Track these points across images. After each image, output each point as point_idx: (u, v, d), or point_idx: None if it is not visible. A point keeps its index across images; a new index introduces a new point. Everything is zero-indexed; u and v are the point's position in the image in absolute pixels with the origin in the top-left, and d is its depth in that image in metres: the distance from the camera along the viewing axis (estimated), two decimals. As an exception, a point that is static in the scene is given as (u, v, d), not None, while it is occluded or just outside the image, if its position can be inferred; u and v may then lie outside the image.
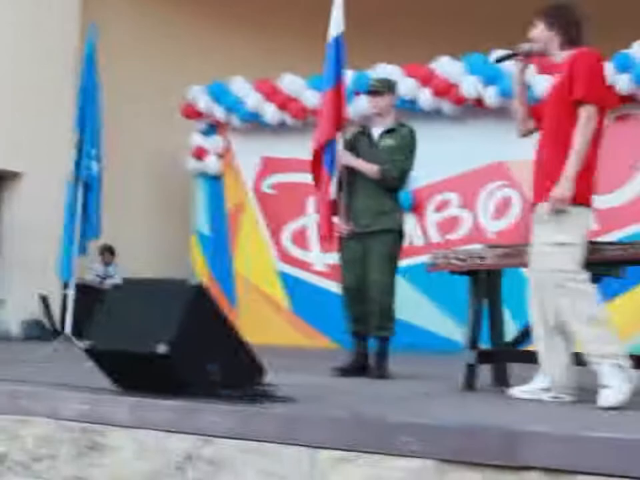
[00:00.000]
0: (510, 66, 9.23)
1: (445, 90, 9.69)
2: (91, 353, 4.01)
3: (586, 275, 4.19)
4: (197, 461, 3.58)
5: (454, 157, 9.94)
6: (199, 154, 11.25)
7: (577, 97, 4.14)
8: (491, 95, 9.43)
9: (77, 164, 6.35)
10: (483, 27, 11.38)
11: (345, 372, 5.69)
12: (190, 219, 11.74)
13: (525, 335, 5.03)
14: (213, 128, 11.38)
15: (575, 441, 2.95)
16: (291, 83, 10.52)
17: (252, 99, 10.71)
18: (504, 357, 5.02)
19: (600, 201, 9.22)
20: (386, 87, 5.85)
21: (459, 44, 10.06)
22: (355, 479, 3.25)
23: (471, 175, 9.94)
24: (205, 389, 3.86)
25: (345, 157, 5.78)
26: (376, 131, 5.85)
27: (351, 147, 5.86)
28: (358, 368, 5.74)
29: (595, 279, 4.83)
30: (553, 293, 4.17)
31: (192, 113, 11.31)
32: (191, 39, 12.23)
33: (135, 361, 3.91)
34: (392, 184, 5.74)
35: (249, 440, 3.48)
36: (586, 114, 4.13)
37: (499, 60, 4.78)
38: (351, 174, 5.79)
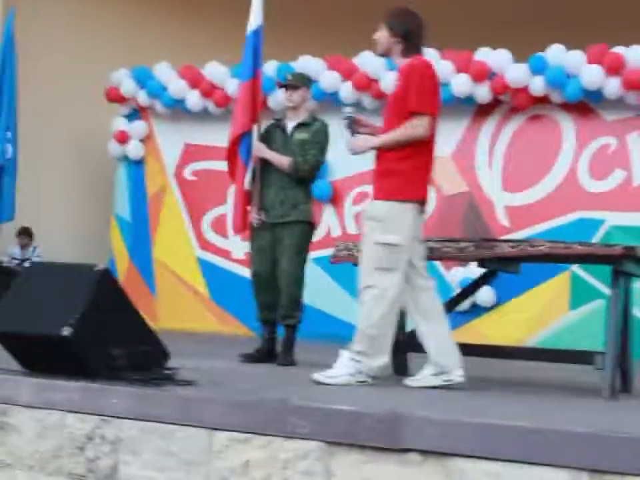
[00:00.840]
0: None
1: (365, 84, 9.86)
2: (-5, 334, 4.09)
3: (397, 277, 4.45)
4: (97, 441, 3.71)
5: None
6: (121, 138, 11.23)
7: (411, 109, 4.44)
8: (410, 91, 9.63)
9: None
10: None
11: (253, 358, 5.85)
12: (112, 204, 11.73)
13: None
14: (136, 112, 11.38)
15: (451, 425, 3.15)
16: (215, 71, 10.59)
17: (175, 85, 10.73)
18: (403, 346, 5.21)
19: (513, 198, 9.62)
20: (301, 82, 6.00)
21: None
22: (248, 459, 3.41)
23: (389, 168, 10.14)
24: (110, 372, 3.97)
25: (259, 149, 5.92)
26: (290, 124, 6.00)
27: (266, 139, 6.00)
28: (265, 354, 5.89)
29: (492, 275, 5.08)
30: (366, 286, 4.46)
31: (116, 97, 11.29)
32: (117, 23, 12.19)
33: (40, 344, 4.00)
34: (304, 176, 5.89)
35: (147, 421, 3.62)
36: (417, 121, 4.44)
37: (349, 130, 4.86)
38: (265, 166, 5.93)
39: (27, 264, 10.98)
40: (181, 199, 11.20)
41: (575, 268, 9.17)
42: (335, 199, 10.38)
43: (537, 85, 9.07)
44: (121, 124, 11.31)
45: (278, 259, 5.86)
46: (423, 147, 4.54)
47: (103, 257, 11.66)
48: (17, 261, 10.91)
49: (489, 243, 4.61)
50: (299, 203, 5.89)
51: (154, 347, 4.26)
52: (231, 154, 5.96)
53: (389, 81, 9.73)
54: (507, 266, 4.89)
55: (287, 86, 5.99)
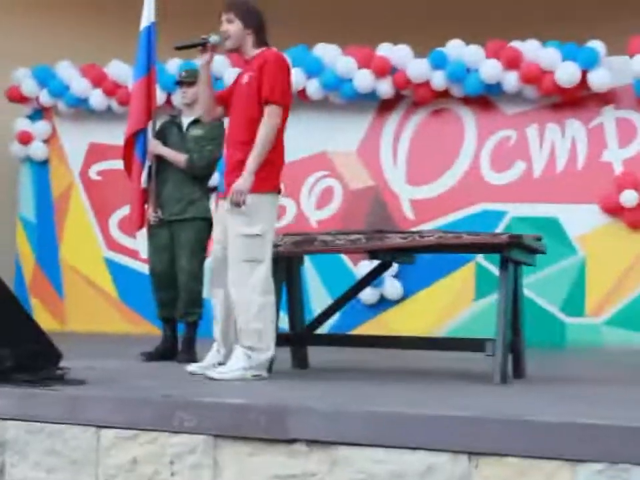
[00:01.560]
0: (329, 60, 9.49)
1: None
2: None
3: (266, 268, 4.54)
4: (-17, 443, 3.64)
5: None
6: (24, 139, 11.04)
7: (264, 97, 4.55)
8: (313, 87, 9.67)
9: None
10: (304, 22, 11.59)
11: (153, 356, 5.82)
12: (16, 206, 11.52)
13: (323, 319, 5.28)
14: (39, 113, 11.20)
15: (336, 414, 3.18)
16: (117, 69, 10.47)
17: (78, 84, 10.59)
18: (303, 340, 5.23)
19: (416, 192, 9.74)
20: (195, 78, 5.97)
21: (284, 37, 10.23)
22: (136, 456, 3.39)
23: (295, 164, 10.11)
24: (-3, 373, 3.91)
25: (155, 146, 5.89)
26: (186, 121, 5.97)
27: (162, 136, 5.96)
28: (166, 352, 5.87)
29: (387, 267, 5.14)
30: (237, 281, 4.51)
31: (17, 97, 11.09)
32: (18, 22, 11.98)
33: None
34: (199, 173, 5.88)
35: (34, 421, 3.57)
36: (269, 112, 4.54)
37: (182, 47, 4.85)
38: (161, 162, 5.90)
39: None
40: (87, 200, 11.06)
41: (480, 259, 9.34)
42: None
43: (438, 80, 9.20)
44: (23, 124, 11.11)
45: (176, 257, 5.83)
46: (275, 139, 4.62)
47: (9, 259, 11.46)
48: None
49: (380, 234, 4.65)
50: (195, 199, 5.88)
51: (44, 348, 4.19)
52: (127, 152, 5.91)
53: (292, 78, 9.76)
54: (399, 257, 4.94)
55: (182, 83, 5.96)
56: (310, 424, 3.18)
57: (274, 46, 9.77)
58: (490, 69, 9.01)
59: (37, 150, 11.07)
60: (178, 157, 5.83)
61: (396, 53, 9.39)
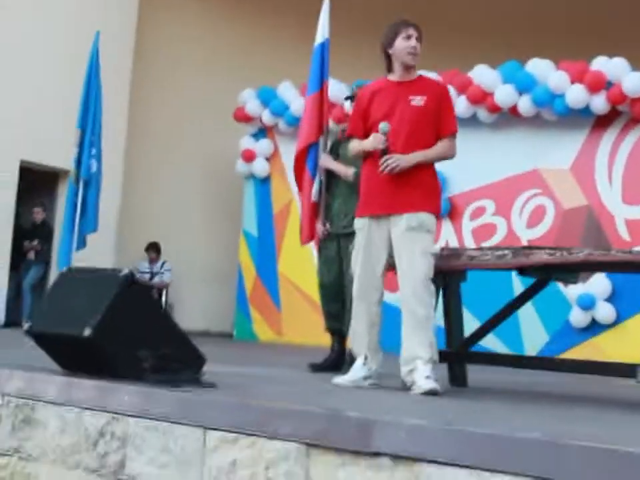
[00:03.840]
0: (541, 75, 9.20)
1: (480, 98, 9.73)
2: (30, 334, 4.30)
3: None
4: (108, 437, 3.83)
5: (490, 165, 9.98)
6: (248, 156, 11.55)
7: (450, 129, 4.60)
8: (525, 103, 9.44)
9: (78, 162, 6.75)
10: (518, 37, 11.35)
11: (320, 367, 5.87)
12: (240, 220, 12.06)
13: (480, 335, 5.12)
14: (263, 131, 11.67)
15: (420, 431, 3.08)
16: (333, 89, 10.68)
17: (297, 104, 10.94)
18: (458, 357, 5.10)
19: (632, 211, 9.24)
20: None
21: (494, 53, 10.09)
22: (235, 458, 3.45)
23: (505, 182, 9.96)
24: (134, 373, 4.09)
25: (325, 160, 5.97)
26: (358, 135, 5.99)
27: (333, 150, 6.04)
28: (332, 364, 5.90)
29: (543, 285, 4.91)
30: (417, 298, 4.44)
31: (243, 116, 11.63)
32: (246, 43, 12.56)
33: (67, 343, 4.17)
34: (367, 186, 5.88)
35: (150, 419, 3.71)
36: (453, 143, 4.61)
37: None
38: (330, 177, 5.97)
39: (156, 278, 11.51)
40: (305, 215, 11.36)
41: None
42: (452, 214, 10.28)
43: (655, 94, 8.70)
44: (247, 142, 11.63)
45: (344, 270, 5.86)
46: None
47: (233, 269, 12.00)
48: (146, 275, 11.37)
49: (527, 250, 4.45)
50: (363, 213, 5.87)
51: (186, 353, 4.33)
52: (299, 166, 6.03)
53: (504, 94, 9.58)
54: (557, 275, 4.69)
55: (352, 98, 6.00)
56: (395, 438, 3.09)
57: (490, 62, 9.69)
58: None
59: (260, 167, 11.53)
60: (347, 171, 5.87)
61: (611, 66, 8.98)
